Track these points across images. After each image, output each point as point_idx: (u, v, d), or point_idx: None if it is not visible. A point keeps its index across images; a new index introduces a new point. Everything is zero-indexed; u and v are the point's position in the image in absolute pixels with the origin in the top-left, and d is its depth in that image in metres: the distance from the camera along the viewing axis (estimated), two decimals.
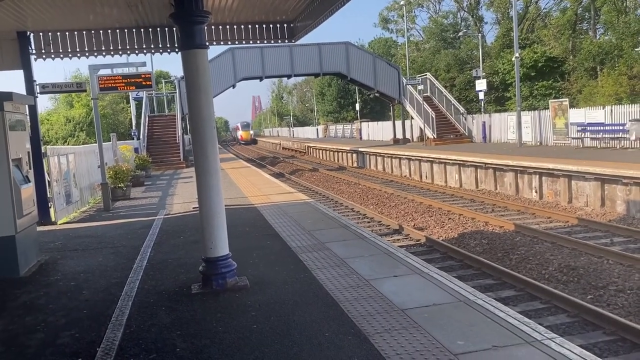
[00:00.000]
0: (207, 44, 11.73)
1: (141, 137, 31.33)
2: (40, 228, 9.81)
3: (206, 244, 6.08)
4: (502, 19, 48.64)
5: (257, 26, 12.51)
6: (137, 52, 12.50)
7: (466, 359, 3.95)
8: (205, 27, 12.13)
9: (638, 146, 19.68)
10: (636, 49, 30.36)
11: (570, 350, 3.91)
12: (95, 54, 12.52)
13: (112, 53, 12.48)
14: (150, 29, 12.06)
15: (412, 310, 4.97)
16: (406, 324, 4.66)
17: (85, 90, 15.48)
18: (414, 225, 13.97)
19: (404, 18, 51.08)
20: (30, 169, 8.44)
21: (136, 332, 5.02)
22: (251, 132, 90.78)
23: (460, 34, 45.81)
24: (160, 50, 12.54)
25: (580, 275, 8.99)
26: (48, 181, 12.26)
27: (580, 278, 8.87)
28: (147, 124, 33.29)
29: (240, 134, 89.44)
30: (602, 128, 21.30)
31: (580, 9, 42.33)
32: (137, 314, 5.53)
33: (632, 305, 7.66)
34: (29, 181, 8.10)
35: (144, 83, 15.47)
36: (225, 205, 10.90)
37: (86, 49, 12.34)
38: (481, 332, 4.39)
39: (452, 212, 15.39)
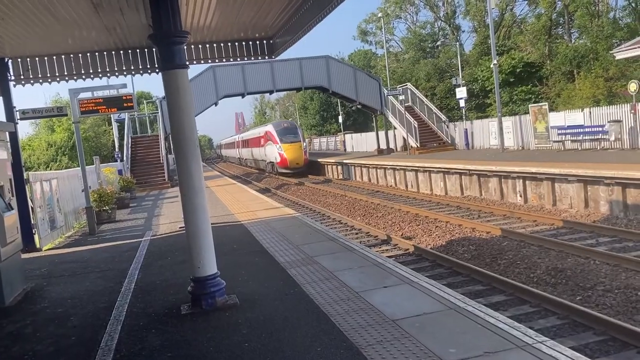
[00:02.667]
0: (187, 63, 11.75)
1: (124, 158, 31.11)
2: (25, 255, 9.67)
3: (194, 264, 6.04)
4: (479, 27, 49.35)
5: (236, 44, 12.55)
6: (117, 74, 12.46)
7: None
8: (185, 47, 12.18)
9: (618, 147, 19.98)
10: (610, 52, 30.96)
11: (561, 353, 3.93)
12: (75, 77, 12.45)
13: (92, 76, 12.42)
14: (129, 51, 12.04)
15: (403, 321, 4.97)
16: (398, 335, 4.66)
17: (66, 115, 15.39)
18: (401, 235, 14.00)
19: (382, 30, 51.61)
20: (12, 196, 8.34)
21: (126, 357, 4.96)
22: (304, 144, 38.82)
23: (439, 43, 46.43)
24: (141, 72, 12.52)
25: (568, 277, 9.06)
26: (31, 207, 12.11)
27: (569, 280, 8.93)
28: (130, 145, 33.09)
29: (280, 152, 37.90)
30: (582, 130, 21.60)
31: (555, 14, 43.11)
32: (126, 337, 5.47)
33: (620, 304, 7.73)
34: (12, 208, 7.99)
35: (125, 105, 15.42)
36: (212, 224, 10.81)
37: (65, 73, 12.28)
38: (473, 339, 4.40)
39: (439, 219, 15.46)
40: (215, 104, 33.67)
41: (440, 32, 57.55)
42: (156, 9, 6.00)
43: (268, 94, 39.70)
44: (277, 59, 15.70)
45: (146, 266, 8.95)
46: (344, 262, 7.62)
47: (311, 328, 5.11)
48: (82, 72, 12.34)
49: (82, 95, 14.79)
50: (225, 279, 6.40)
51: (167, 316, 6.03)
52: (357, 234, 14.92)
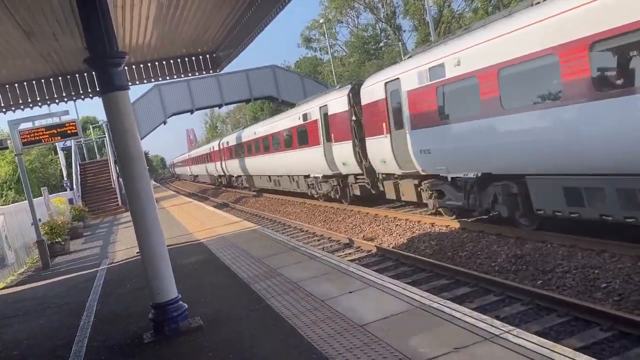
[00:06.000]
0: (130, 83, 11.45)
1: (74, 186, 30.17)
2: None
3: (153, 290, 5.85)
4: (420, 25, 50.39)
5: (179, 60, 12.33)
6: (57, 101, 12.03)
7: None
8: (125, 68, 11.87)
9: None
10: None
11: (527, 340, 3.97)
12: (13, 108, 11.95)
13: (31, 105, 11.95)
14: (68, 76, 11.66)
15: (371, 325, 4.94)
16: (367, 340, 4.62)
17: (7, 148, 14.79)
18: (363, 237, 14.02)
19: (326, 35, 52.00)
20: None
21: None
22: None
23: (381, 44, 47.15)
24: (82, 96, 12.13)
25: (527, 262, 9.24)
26: None
27: (529, 265, 9.11)
28: (79, 172, 32.13)
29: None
30: None
31: (491, 7, 44.41)
32: None
33: (580, 284, 7.92)
34: None
35: (69, 132, 14.96)
36: (170, 245, 10.52)
37: (2, 105, 11.78)
38: (441, 336, 4.40)
39: (398, 218, 15.56)
40: (164, 122, 33.19)
41: (382, 34, 58.44)
42: (90, 33, 5.81)
43: (217, 107, 39.41)
44: (223, 72, 15.50)
45: (105, 296, 8.65)
46: (307, 271, 7.55)
47: (279, 342, 5.01)
48: (20, 102, 11.86)
49: (23, 125, 14.25)
50: (188, 301, 6.24)
51: (129, 347, 5.82)
52: (319, 240, 14.86)
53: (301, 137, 21.53)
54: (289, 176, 24.91)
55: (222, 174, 39.88)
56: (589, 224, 9.76)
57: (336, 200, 20.33)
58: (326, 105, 18.73)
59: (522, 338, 4.02)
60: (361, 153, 16.71)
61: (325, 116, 18.84)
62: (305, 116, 20.83)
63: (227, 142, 35.97)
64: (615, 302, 7.04)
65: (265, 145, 26.86)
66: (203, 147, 55.51)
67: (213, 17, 9.24)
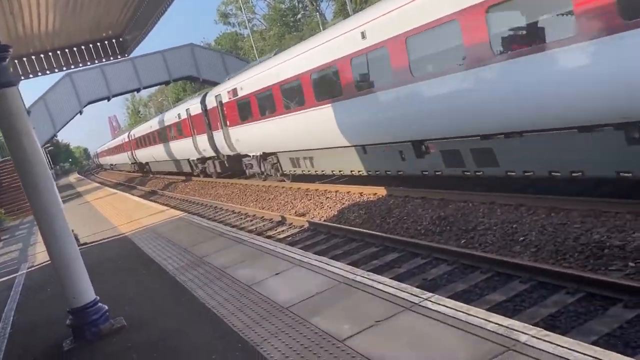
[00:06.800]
0: (31, 75, 10.74)
1: None
2: None
3: (68, 295, 5.56)
4: None
5: (83, 47, 11.64)
6: None
7: (353, 342, 3.95)
8: (24, 59, 11.04)
9: None
10: None
11: (444, 306, 4.05)
12: None
13: None
14: None
15: (296, 306, 4.90)
16: (291, 322, 4.58)
17: None
18: (295, 213, 14.00)
19: (243, 10, 50.92)
20: None
21: None
22: None
23: (299, 16, 46.64)
24: None
25: (451, 223, 9.50)
26: None
27: (452, 226, 9.37)
28: None
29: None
30: None
31: None
32: None
33: (500, 239, 8.22)
34: None
35: None
36: (92, 242, 10.11)
37: None
38: (364, 310, 4.42)
39: (328, 190, 15.63)
40: (80, 112, 31.70)
41: (300, 5, 57.82)
42: None
43: (136, 92, 38.00)
44: (138, 54, 14.93)
45: (23, 304, 8.19)
46: (234, 256, 7.43)
47: (206, 334, 4.90)
48: None
49: None
50: (111, 299, 6.00)
51: (48, 356, 5.53)
52: (251, 220, 14.72)
53: (179, 130, 27.71)
54: (171, 160, 31.85)
55: (134, 161, 45.37)
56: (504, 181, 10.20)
57: (207, 175, 27.37)
58: (188, 108, 25.40)
59: (439, 304, 4.10)
60: (213, 142, 23.01)
61: (189, 116, 25.27)
62: (179, 115, 27.30)
63: (134, 135, 41.04)
64: (533, 254, 7.36)
65: (156, 137, 32.75)
66: (118, 138, 59.62)
67: None
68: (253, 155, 19.96)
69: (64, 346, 5.59)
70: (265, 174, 19.93)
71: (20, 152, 5.42)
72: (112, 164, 68.03)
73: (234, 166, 22.97)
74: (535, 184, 10.17)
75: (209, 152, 24.18)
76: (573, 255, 6.96)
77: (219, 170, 24.94)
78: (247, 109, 18.88)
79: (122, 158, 52.45)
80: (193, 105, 24.60)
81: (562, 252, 7.08)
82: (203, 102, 23.17)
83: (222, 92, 20.63)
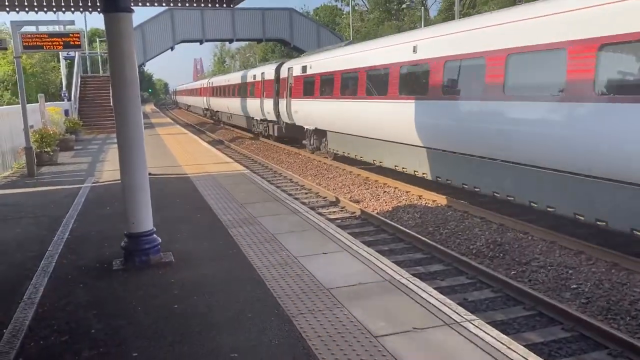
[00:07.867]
0: (140, 4, 11.09)
1: (72, 98, 29.82)
2: None
3: (128, 219, 5.83)
4: None
5: None
6: (63, 9, 11.68)
7: (385, 340, 3.96)
8: None
9: None
10: None
11: (486, 333, 3.99)
12: (17, 9, 11.59)
13: (35, 9, 11.57)
14: None
15: (338, 290, 4.95)
16: (330, 304, 4.64)
17: (6, 48, 14.48)
18: (350, 198, 14.02)
19: None
20: None
21: (49, 312, 4.77)
22: None
23: (404, 5, 45.98)
24: (90, 9, 11.74)
25: (505, 251, 9.28)
26: None
27: (506, 254, 9.15)
28: (79, 85, 31.71)
29: None
30: None
31: None
32: (52, 291, 5.26)
33: (552, 280, 7.98)
34: None
35: (72, 42, 14.63)
36: (158, 175, 10.49)
37: (6, 3, 11.42)
38: (403, 313, 4.42)
39: (388, 184, 15.54)
40: (172, 48, 32.63)
41: None
42: None
43: (228, 42, 38.79)
44: (238, 6, 15.12)
45: (83, 215, 8.65)
46: (287, 224, 7.54)
47: (245, 293, 5.03)
48: (26, 3, 11.50)
49: (26, 28, 13.90)
50: (164, 234, 6.24)
51: (97, 270, 5.83)
52: (307, 193, 14.86)
53: (252, 90, 29.78)
54: (240, 115, 33.97)
55: (207, 107, 48.56)
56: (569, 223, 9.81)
57: (264, 137, 29.23)
58: (264, 72, 27.45)
59: (481, 329, 4.04)
60: (277, 108, 25.19)
61: (263, 80, 27.30)
62: (254, 76, 29.37)
63: (212, 83, 44.30)
64: (582, 305, 7.11)
65: (232, 91, 35.09)
66: (198, 82, 63.42)
67: None
68: (307, 129, 22.06)
69: (113, 265, 5.89)
70: (313, 146, 21.98)
71: (120, 73, 5.66)
72: (188, 105, 71.63)
73: (290, 134, 25.00)
74: (602, 233, 9.75)
75: (272, 117, 26.30)
76: (624, 318, 6.68)
77: (276, 134, 26.75)
78: (310, 87, 20.91)
79: (198, 101, 55.54)
80: (268, 72, 26.70)
81: (614, 311, 6.80)
82: (277, 70, 25.22)
83: (295, 66, 22.83)
